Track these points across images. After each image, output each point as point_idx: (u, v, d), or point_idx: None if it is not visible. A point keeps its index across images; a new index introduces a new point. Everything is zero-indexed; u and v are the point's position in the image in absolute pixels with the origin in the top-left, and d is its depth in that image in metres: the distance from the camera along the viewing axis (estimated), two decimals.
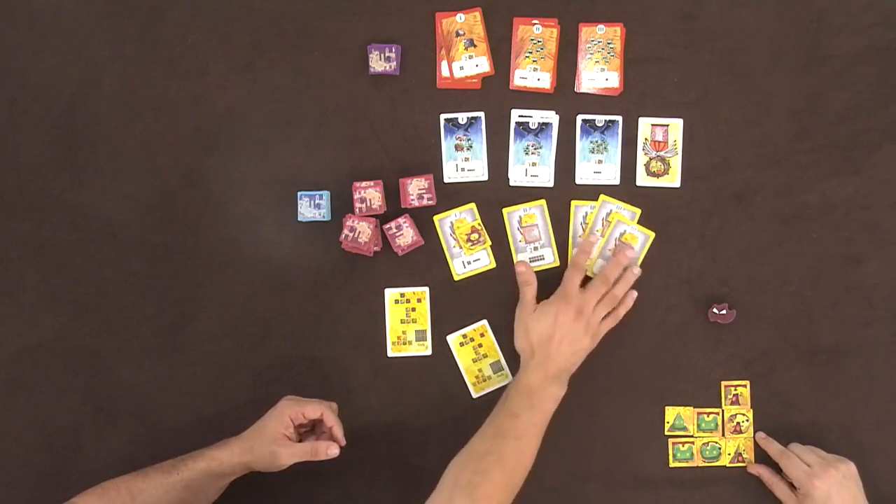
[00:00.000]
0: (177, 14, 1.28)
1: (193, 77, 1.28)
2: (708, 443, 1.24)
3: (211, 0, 1.28)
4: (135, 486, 1.09)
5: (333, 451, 1.13)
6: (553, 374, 1.14)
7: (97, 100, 1.28)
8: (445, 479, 1.09)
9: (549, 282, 1.21)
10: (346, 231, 1.22)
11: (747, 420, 1.24)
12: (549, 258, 1.26)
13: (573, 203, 1.26)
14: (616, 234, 1.25)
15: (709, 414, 1.24)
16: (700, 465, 1.24)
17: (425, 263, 1.26)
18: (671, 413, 1.24)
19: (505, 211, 1.26)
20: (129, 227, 1.27)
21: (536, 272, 1.24)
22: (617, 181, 1.26)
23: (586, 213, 1.26)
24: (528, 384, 1.14)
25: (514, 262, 1.25)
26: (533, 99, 1.27)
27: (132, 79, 1.28)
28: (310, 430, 1.19)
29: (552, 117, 1.26)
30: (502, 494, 1.08)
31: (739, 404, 1.24)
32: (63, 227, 1.27)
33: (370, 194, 1.23)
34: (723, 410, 1.24)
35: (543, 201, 1.26)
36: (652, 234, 1.25)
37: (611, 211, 1.25)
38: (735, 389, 1.24)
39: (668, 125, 1.26)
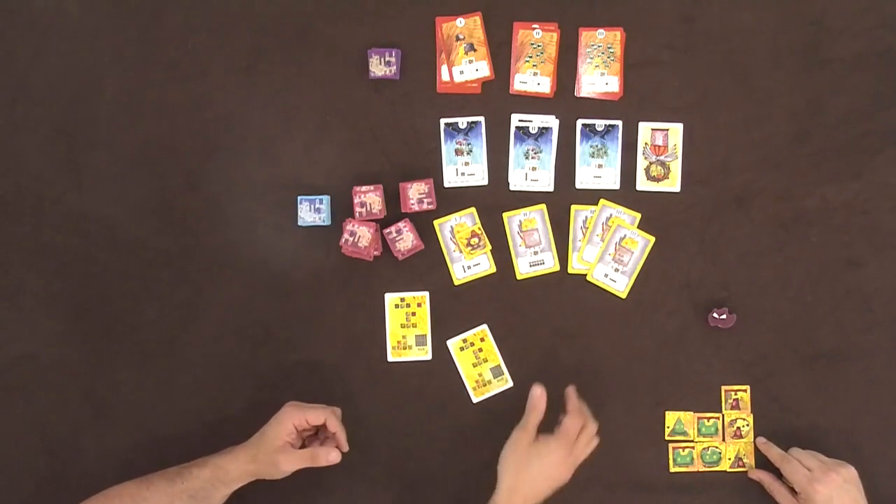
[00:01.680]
0: (177, 17, 1.29)
1: (194, 80, 1.28)
2: (708, 447, 1.24)
3: (211, 3, 1.29)
4: (138, 493, 1.09)
5: (334, 456, 1.12)
6: None
7: (98, 103, 1.28)
8: None
9: (549, 288, 1.20)
10: (346, 235, 1.21)
11: (747, 424, 1.24)
12: (549, 263, 1.26)
13: (573, 207, 1.26)
14: (616, 238, 1.25)
15: (709, 418, 1.24)
16: (700, 469, 1.24)
17: (425, 268, 1.26)
18: (671, 417, 1.24)
19: (505, 215, 1.26)
20: (130, 231, 1.27)
21: (536, 277, 1.24)
22: (617, 185, 1.26)
23: (586, 217, 1.25)
24: None
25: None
26: (533, 103, 1.27)
27: (133, 82, 1.28)
28: (313, 435, 1.18)
29: (552, 122, 1.26)
30: None
31: (740, 409, 1.24)
32: (63, 231, 1.27)
33: (370, 198, 1.23)
34: (723, 415, 1.24)
35: (543, 206, 1.25)
36: (652, 239, 1.25)
37: (611, 215, 1.25)
38: (735, 394, 1.24)
39: (668, 129, 1.26)
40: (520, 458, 1.12)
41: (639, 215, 1.26)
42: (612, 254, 1.25)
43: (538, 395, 1.15)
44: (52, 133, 1.28)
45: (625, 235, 1.25)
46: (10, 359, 1.26)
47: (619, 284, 1.25)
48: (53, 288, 1.27)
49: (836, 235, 1.25)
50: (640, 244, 1.25)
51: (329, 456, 1.12)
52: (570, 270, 1.25)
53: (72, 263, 1.27)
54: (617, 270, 1.25)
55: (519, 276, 1.26)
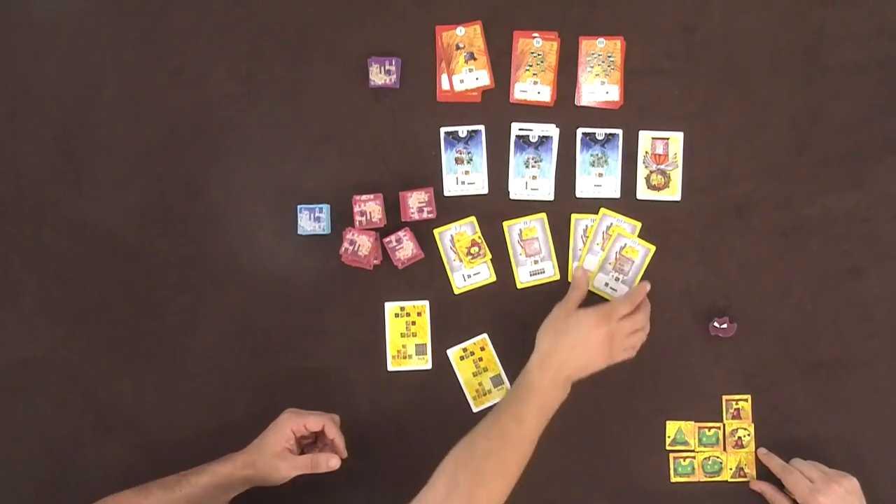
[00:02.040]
0: (178, 23, 1.29)
1: (194, 87, 1.28)
2: (709, 457, 1.23)
3: (213, 10, 1.29)
4: (137, 501, 1.09)
5: (334, 462, 1.12)
6: (563, 379, 1.12)
7: (98, 108, 1.28)
8: (442, 473, 1.06)
9: (550, 296, 1.20)
10: (345, 244, 1.21)
11: (749, 434, 1.23)
12: (550, 272, 1.26)
13: (573, 216, 1.26)
14: (616, 247, 1.25)
15: (710, 428, 1.24)
16: (701, 479, 1.23)
17: (425, 277, 1.26)
18: (672, 427, 1.24)
19: (505, 224, 1.26)
20: (129, 237, 1.27)
21: (536, 286, 1.24)
22: (617, 194, 1.26)
23: (587, 226, 1.25)
24: (540, 386, 1.11)
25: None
26: (533, 112, 1.27)
27: (133, 87, 1.29)
28: (312, 442, 1.18)
29: (552, 130, 1.26)
30: (499, 498, 1.06)
31: (741, 419, 1.24)
32: (63, 237, 1.27)
33: (370, 207, 1.23)
34: (724, 425, 1.24)
35: (544, 215, 1.25)
36: (652, 248, 1.25)
37: (611, 224, 1.25)
38: (736, 404, 1.24)
39: (668, 138, 1.26)
40: (557, 326, 1.14)
41: (639, 224, 1.26)
42: (612, 263, 1.25)
43: (580, 274, 1.19)
44: (53, 137, 1.28)
45: (625, 245, 1.24)
46: (9, 363, 1.27)
47: (620, 294, 1.25)
48: (53, 293, 1.27)
49: (837, 244, 1.25)
50: (641, 253, 1.24)
51: (329, 462, 1.12)
52: (570, 279, 1.25)
53: (72, 268, 1.27)
54: (618, 280, 1.25)
55: (519, 285, 1.26)
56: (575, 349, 1.12)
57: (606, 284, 1.25)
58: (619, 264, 1.25)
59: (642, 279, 1.25)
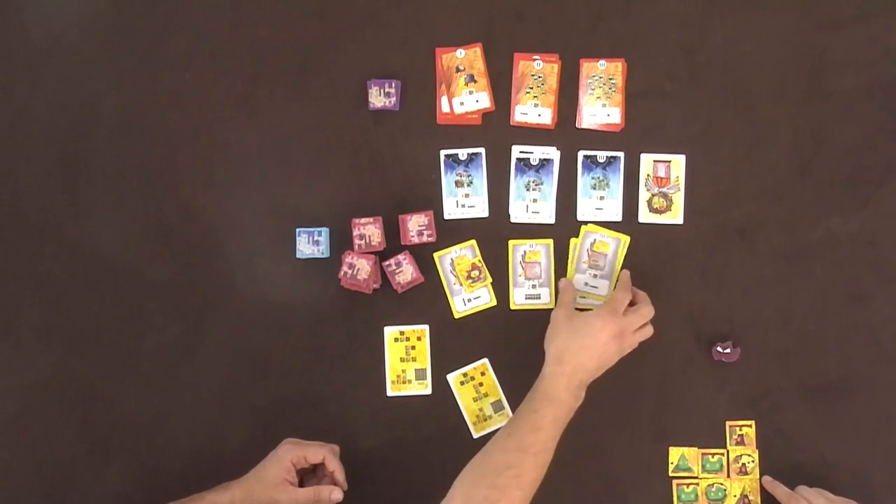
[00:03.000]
0: (176, 46, 1.28)
1: (192, 109, 1.28)
2: (713, 484, 1.22)
3: (211, 32, 1.28)
4: None
5: (337, 496, 1.11)
6: (577, 385, 1.10)
7: (95, 131, 1.28)
8: (458, 489, 1.04)
9: (542, 320, 1.19)
10: (344, 268, 1.21)
11: (753, 461, 1.22)
12: (545, 298, 1.25)
13: (572, 241, 1.25)
14: (587, 245, 1.24)
15: (713, 454, 1.22)
16: None
17: (425, 301, 1.25)
18: (675, 453, 1.22)
19: (511, 243, 1.25)
20: (127, 261, 1.26)
21: (531, 311, 1.24)
22: (619, 218, 1.25)
23: (595, 240, 1.25)
24: (554, 393, 1.09)
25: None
26: (534, 135, 1.26)
27: (130, 111, 1.28)
28: (311, 472, 1.17)
29: (553, 153, 1.26)
30: None
31: (745, 444, 1.22)
32: (60, 260, 1.27)
33: (369, 231, 1.22)
34: (728, 451, 1.22)
35: (551, 241, 1.25)
36: (625, 238, 1.24)
37: (594, 241, 1.25)
38: (740, 429, 1.22)
39: (670, 161, 1.25)
40: (560, 332, 1.13)
41: (626, 238, 1.24)
42: (586, 261, 1.24)
43: (564, 281, 1.21)
44: (50, 161, 1.28)
45: (594, 240, 1.24)
46: (4, 388, 1.26)
47: (602, 289, 1.24)
48: (50, 317, 1.26)
49: (842, 268, 1.24)
50: (612, 245, 1.24)
51: (332, 495, 1.11)
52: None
53: (68, 293, 1.26)
54: (596, 276, 1.24)
55: (513, 306, 1.25)
56: (586, 353, 1.11)
57: (586, 284, 1.24)
58: (592, 260, 1.24)
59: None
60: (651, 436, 1.23)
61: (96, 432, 1.25)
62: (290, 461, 1.11)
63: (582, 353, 1.11)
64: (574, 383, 1.10)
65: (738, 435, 1.22)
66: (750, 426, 1.22)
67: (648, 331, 1.17)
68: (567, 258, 1.25)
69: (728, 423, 1.23)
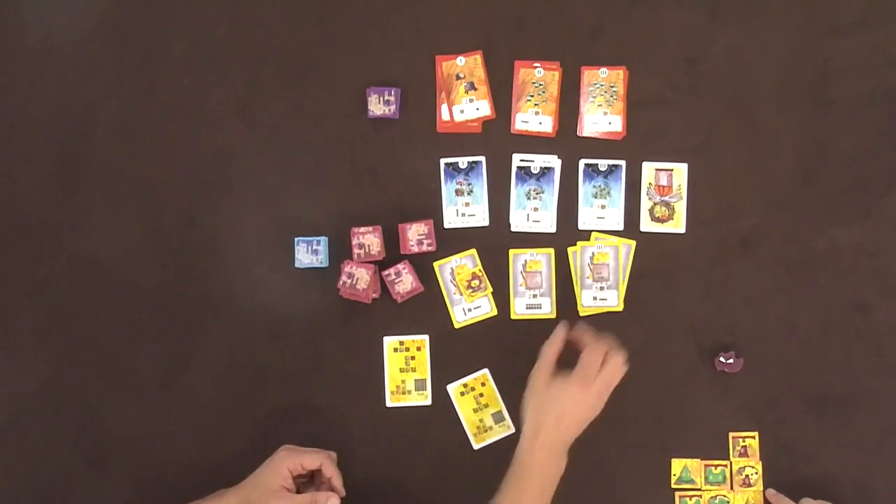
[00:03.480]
0: (174, 54, 1.28)
1: (190, 117, 1.27)
2: (716, 496, 1.21)
3: (209, 40, 1.28)
4: None
5: (333, 502, 1.10)
6: (558, 454, 1.09)
7: (93, 140, 1.27)
8: None
9: (548, 332, 1.17)
10: (343, 277, 1.20)
11: (756, 473, 1.21)
12: (547, 308, 1.24)
13: (570, 249, 1.25)
14: (586, 260, 1.23)
15: (717, 466, 1.21)
16: None
17: (425, 311, 1.24)
18: (678, 465, 1.22)
19: (511, 252, 1.24)
20: (124, 270, 1.26)
21: (531, 320, 1.23)
22: (620, 227, 1.24)
23: (593, 253, 1.24)
24: (532, 467, 1.07)
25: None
26: (534, 143, 1.25)
27: (128, 118, 1.27)
28: (308, 480, 1.16)
29: (554, 161, 1.25)
30: None
31: (748, 456, 1.21)
32: (57, 269, 1.26)
33: (369, 240, 1.21)
34: (731, 462, 1.21)
35: (552, 250, 1.24)
36: (623, 242, 1.23)
37: (593, 254, 1.24)
38: (743, 441, 1.22)
39: (672, 170, 1.24)
40: (538, 400, 1.09)
41: (631, 242, 1.24)
42: (589, 276, 1.23)
43: (557, 329, 1.13)
44: (48, 167, 1.27)
45: (592, 253, 1.23)
46: (1, 397, 1.25)
47: (611, 300, 1.23)
48: (46, 327, 1.25)
49: (845, 278, 1.23)
50: (612, 253, 1.23)
51: (329, 501, 1.09)
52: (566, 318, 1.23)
53: (65, 302, 1.26)
54: (602, 289, 1.23)
55: (513, 316, 1.24)
56: (564, 421, 1.08)
57: (594, 298, 1.23)
58: (595, 273, 1.23)
59: (645, 313, 1.23)
60: (653, 447, 1.22)
61: (93, 441, 1.24)
62: (286, 468, 1.10)
63: (559, 423, 1.08)
64: (554, 454, 1.08)
65: (742, 446, 1.21)
66: (753, 437, 1.22)
67: (622, 370, 1.12)
68: (569, 267, 1.24)
69: (731, 435, 1.22)
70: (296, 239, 1.24)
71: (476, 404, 1.23)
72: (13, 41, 1.29)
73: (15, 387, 1.25)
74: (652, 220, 1.24)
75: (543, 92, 1.25)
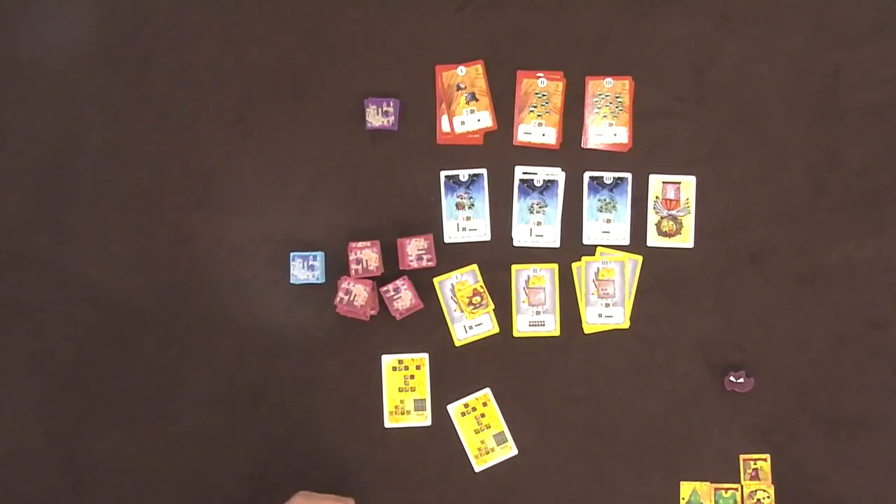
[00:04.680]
0: (165, 67, 1.27)
1: (182, 132, 1.26)
2: None
3: (200, 52, 1.27)
4: None
5: None
6: None
7: (81, 155, 1.26)
8: None
9: (552, 350, 1.18)
10: (340, 294, 1.18)
11: (768, 496, 1.19)
12: (551, 326, 1.23)
13: (573, 265, 1.23)
14: (590, 276, 1.21)
15: (727, 489, 1.19)
16: None
17: (424, 328, 1.23)
18: (686, 488, 1.20)
19: (514, 267, 1.23)
20: (112, 290, 1.25)
21: (535, 338, 1.22)
22: (626, 241, 1.23)
23: (598, 268, 1.22)
24: None
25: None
26: (537, 155, 1.24)
27: (118, 133, 1.27)
28: None
29: (558, 174, 1.24)
30: None
31: (759, 479, 1.19)
32: (43, 289, 1.25)
33: (367, 255, 1.20)
34: (742, 486, 1.19)
35: (556, 266, 1.23)
36: (629, 258, 1.21)
37: (598, 270, 1.22)
38: (755, 463, 1.19)
39: (679, 182, 1.23)
40: None
41: (638, 258, 1.22)
42: (594, 292, 1.21)
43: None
44: (33, 187, 1.26)
45: (597, 269, 1.21)
46: None
47: (617, 317, 1.22)
48: (31, 349, 1.24)
49: (859, 294, 1.21)
50: (617, 268, 1.21)
51: None
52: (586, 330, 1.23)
53: (51, 323, 1.24)
54: (608, 305, 1.21)
55: (516, 334, 1.23)
56: None
57: (600, 315, 1.22)
58: (600, 289, 1.21)
59: (653, 330, 1.21)
60: (661, 470, 1.21)
61: (78, 470, 1.23)
62: None
63: None
64: None
65: (753, 469, 1.19)
66: (765, 460, 1.20)
67: None
68: (573, 283, 1.23)
69: (742, 457, 1.20)
70: (291, 254, 1.23)
71: (477, 425, 1.22)
72: (1, 56, 1.28)
73: (0, 410, 1.23)
74: (659, 234, 1.23)
75: (547, 103, 1.24)
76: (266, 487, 1.20)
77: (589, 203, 1.23)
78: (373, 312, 1.21)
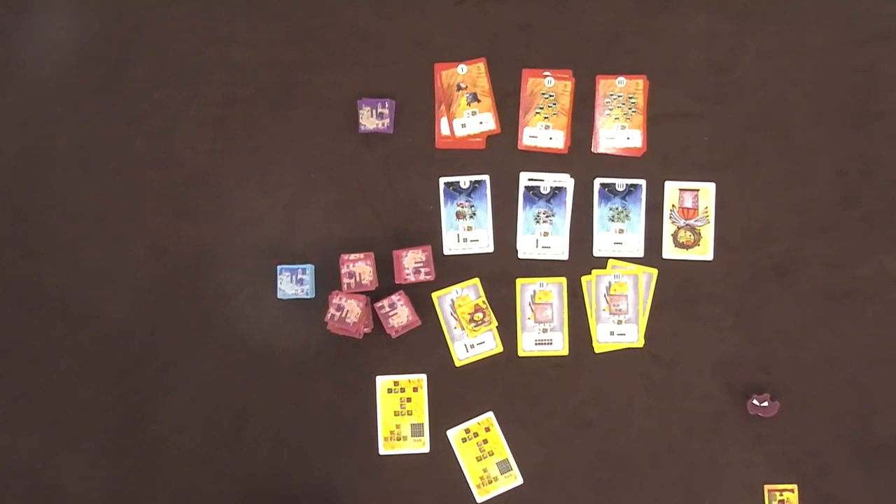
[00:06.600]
0: (142, 66, 1.26)
1: (160, 135, 1.25)
2: None
3: (180, 51, 1.26)
4: None
5: None
6: None
7: (51, 160, 1.25)
8: None
9: (559, 370, 1.15)
10: (332, 310, 1.16)
11: None
12: (558, 345, 1.22)
13: (583, 278, 1.21)
14: (601, 290, 1.19)
15: None
16: None
17: (422, 347, 1.21)
18: None
19: (519, 281, 1.22)
20: (85, 303, 1.23)
21: (541, 357, 1.21)
22: (640, 253, 1.22)
23: (610, 282, 1.19)
24: None
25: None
26: (544, 160, 1.23)
27: (91, 136, 1.25)
28: None
29: (566, 181, 1.22)
30: None
31: None
32: (10, 303, 1.23)
33: (360, 268, 1.17)
34: None
35: (564, 280, 1.20)
36: (644, 271, 1.19)
37: (609, 284, 1.19)
38: (781, 494, 1.18)
39: (698, 190, 1.21)
40: None
41: (653, 271, 1.18)
42: (605, 308, 1.18)
43: None
44: (1, 192, 1.24)
45: (609, 283, 1.19)
46: None
47: (630, 335, 1.20)
48: None
49: (895, 310, 1.20)
50: (631, 282, 1.19)
51: None
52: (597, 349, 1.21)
53: (20, 339, 1.22)
54: (620, 322, 1.20)
55: (521, 353, 1.21)
56: None
57: (612, 333, 1.20)
58: (612, 305, 1.19)
59: (668, 349, 1.18)
60: (678, 501, 1.19)
61: (45, 496, 1.20)
62: None
63: None
64: None
65: (779, 501, 1.18)
66: (792, 491, 1.18)
67: None
68: (582, 298, 1.20)
69: (767, 488, 1.19)
70: (278, 267, 1.21)
71: (479, 452, 1.20)
72: None
73: None
74: (675, 245, 1.21)
75: (554, 104, 1.22)
76: None
77: (600, 212, 1.21)
78: (366, 330, 1.19)
